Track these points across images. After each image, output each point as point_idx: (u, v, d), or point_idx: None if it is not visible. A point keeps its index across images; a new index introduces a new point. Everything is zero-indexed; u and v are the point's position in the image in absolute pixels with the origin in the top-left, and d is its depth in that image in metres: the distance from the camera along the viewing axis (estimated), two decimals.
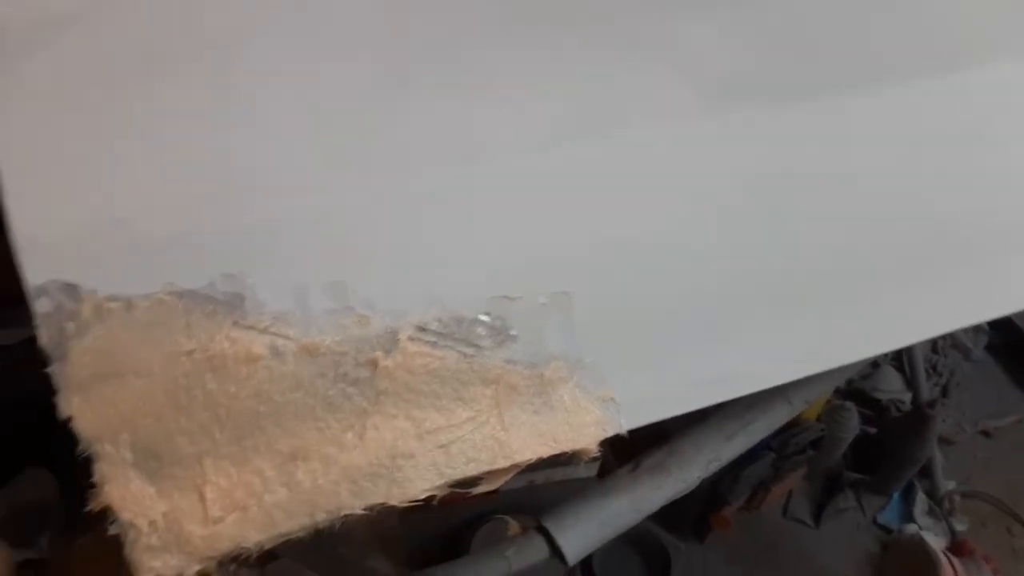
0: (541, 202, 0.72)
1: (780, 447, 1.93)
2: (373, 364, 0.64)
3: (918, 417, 2.04)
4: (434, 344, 0.67)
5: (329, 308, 0.64)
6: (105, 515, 0.59)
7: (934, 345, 2.59)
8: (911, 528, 2.15)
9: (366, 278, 0.65)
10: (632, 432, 0.72)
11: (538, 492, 1.83)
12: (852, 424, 2.04)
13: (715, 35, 0.82)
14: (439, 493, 0.66)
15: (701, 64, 0.80)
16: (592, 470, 1.89)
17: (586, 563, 1.82)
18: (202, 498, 0.60)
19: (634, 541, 1.92)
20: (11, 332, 1.96)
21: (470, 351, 0.68)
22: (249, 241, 0.64)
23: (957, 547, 2.08)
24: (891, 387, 2.38)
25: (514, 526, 1.60)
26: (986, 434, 2.47)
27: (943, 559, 1.96)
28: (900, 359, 2.37)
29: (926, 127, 0.88)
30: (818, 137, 0.81)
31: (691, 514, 2.02)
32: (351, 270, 0.65)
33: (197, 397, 0.60)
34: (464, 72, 0.75)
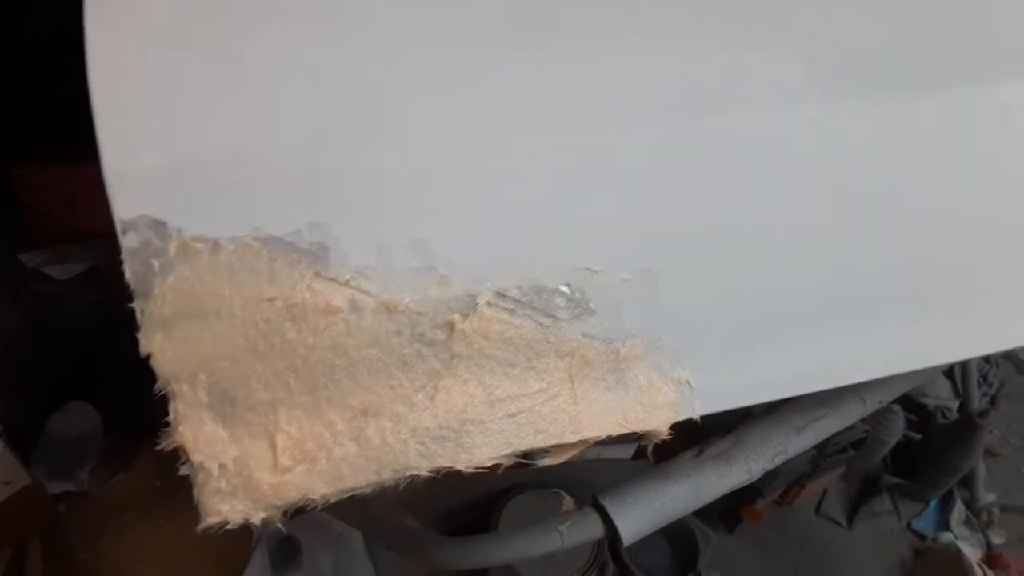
0: (637, 176, 0.69)
1: (821, 445, 1.89)
2: (450, 327, 0.63)
3: (966, 426, 2.00)
4: (512, 312, 0.65)
5: (411, 266, 0.63)
6: (175, 455, 0.59)
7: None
8: (946, 537, 2.12)
9: (450, 238, 0.64)
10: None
11: (569, 469, 1.81)
12: (897, 428, 2.00)
13: (840, 20, 0.78)
14: (505, 462, 0.66)
15: (821, 48, 0.77)
16: (627, 452, 1.88)
17: (612, 544, 1.81)
18: (273, 446, 0.60)
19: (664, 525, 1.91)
20: (63, 268, 2.00)
21: (547, 321, 0.66)
22: (337, 190, 0.62)
23: (992, 559, 2.05)
24: (939, 393, 2.33)
25: (568, 502, 1.58)
26: None
27: (977, 570, 1.93)
28: (951, 366, 2.31)
29: None
30: (931, 132, 0.77)
31: (722, 503, 2.00)
32: (436, 228, 0.64)
33: (275, 344, 0.59)
34: (580, 41, 0.72)
